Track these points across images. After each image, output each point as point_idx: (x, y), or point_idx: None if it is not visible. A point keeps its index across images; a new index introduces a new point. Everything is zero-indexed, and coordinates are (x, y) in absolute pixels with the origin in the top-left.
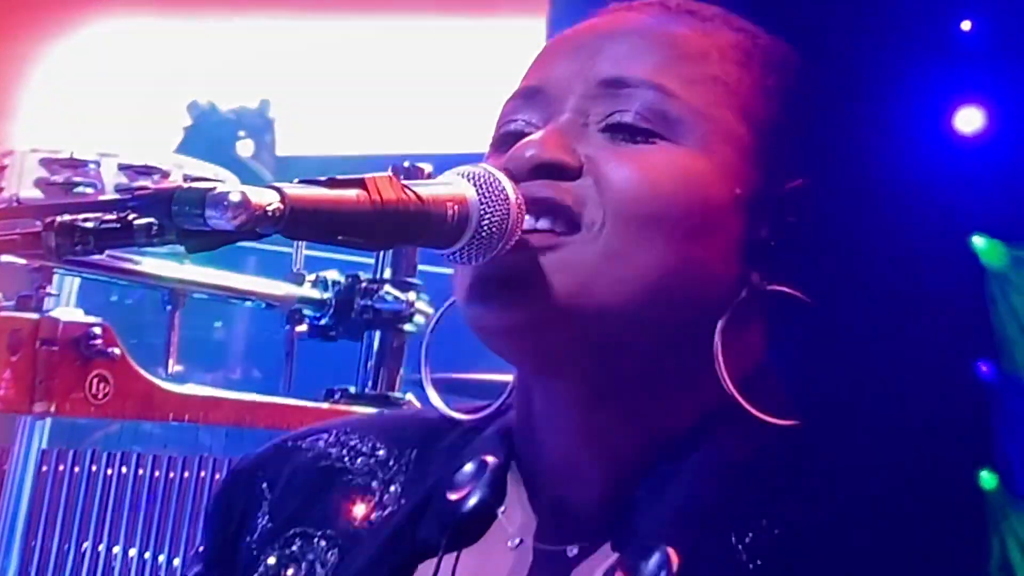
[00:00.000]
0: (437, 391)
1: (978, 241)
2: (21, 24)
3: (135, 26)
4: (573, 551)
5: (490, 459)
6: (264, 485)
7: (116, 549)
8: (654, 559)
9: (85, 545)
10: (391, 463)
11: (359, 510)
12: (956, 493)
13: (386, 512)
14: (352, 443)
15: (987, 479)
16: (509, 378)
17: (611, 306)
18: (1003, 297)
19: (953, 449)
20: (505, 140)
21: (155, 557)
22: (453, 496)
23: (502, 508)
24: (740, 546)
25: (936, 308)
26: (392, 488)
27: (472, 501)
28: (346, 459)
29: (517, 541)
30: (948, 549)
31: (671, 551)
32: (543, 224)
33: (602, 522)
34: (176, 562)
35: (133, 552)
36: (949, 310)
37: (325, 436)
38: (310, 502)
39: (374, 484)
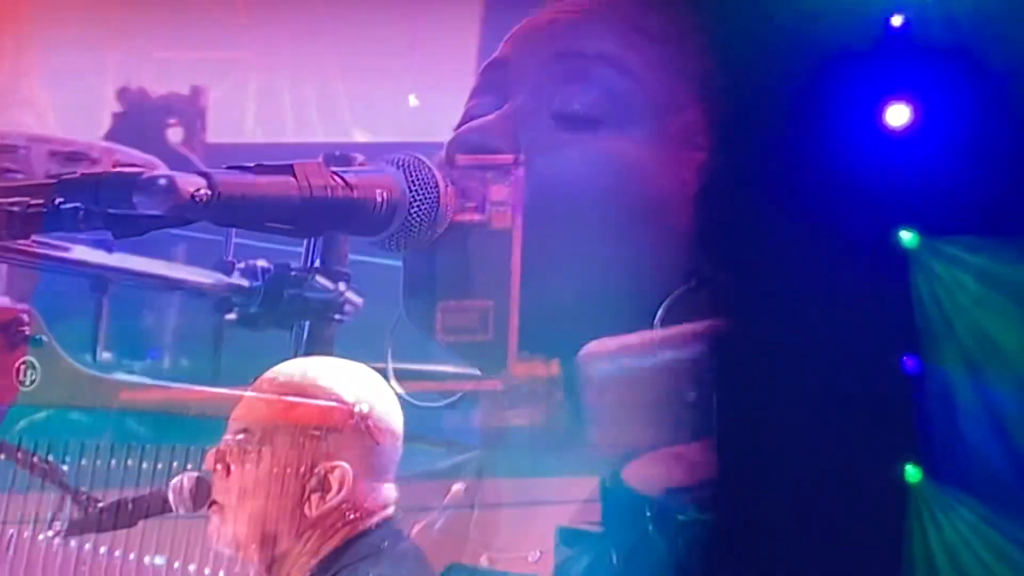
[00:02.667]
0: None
1: (905, 235)
2: None
3: (63, 9)
4: None
5: None
6: None
7: (41, 536)
8: None
9: (11, 532)
10: None
11: None
12: (880, 484)
13: None
14: None
15: (912, 472)
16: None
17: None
18: (928, 290)
19: (878, 441)
20: (463, 123)
21: (81, 546)
22: None
23: None
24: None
25: (863, 301)
26: None
27: None
28: None
29: None
30: (871, 539)
31: None
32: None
33: None
34: (102, 550)
35: (59, 540)
36: (875, 303)
37: None
38: None
39: None
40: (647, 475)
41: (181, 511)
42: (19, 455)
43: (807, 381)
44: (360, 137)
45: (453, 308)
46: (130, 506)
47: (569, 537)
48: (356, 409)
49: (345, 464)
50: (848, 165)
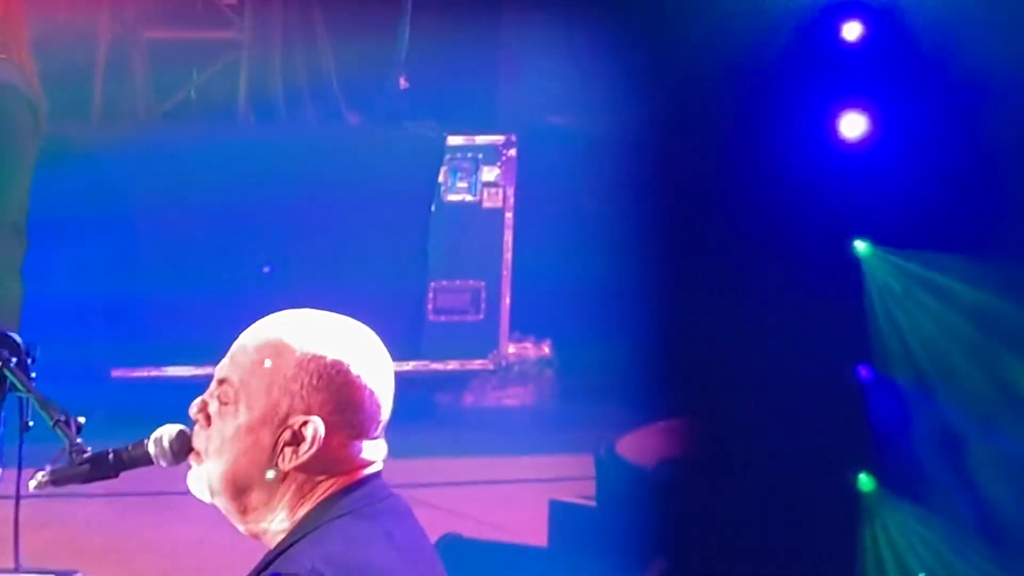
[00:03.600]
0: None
1: (860, 245)
2: None
3: None
4: None
5: None
6: None
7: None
8: None
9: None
10: None
11: None
12: (832, 492)
13: None
14: None
15: (865, 481)
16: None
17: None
18: (880, 301)
19: (831, 450)
20: None
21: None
22: None
23: None
24: None
25: (817, 311)
26: None
27: None
28: None
29: None
30: (824, 546)
31: None
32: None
33: None
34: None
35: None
36: (830, 313)
37: None
38: None
39: None
40: (641, 447)
41: (163, 464)
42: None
43: (761, 392)
44: (352, 119)
45: (445, 288)
46: (111, 457)
47: (562, 511)
48: (331, 359)
49: (317, 418)
50: (803, 175)
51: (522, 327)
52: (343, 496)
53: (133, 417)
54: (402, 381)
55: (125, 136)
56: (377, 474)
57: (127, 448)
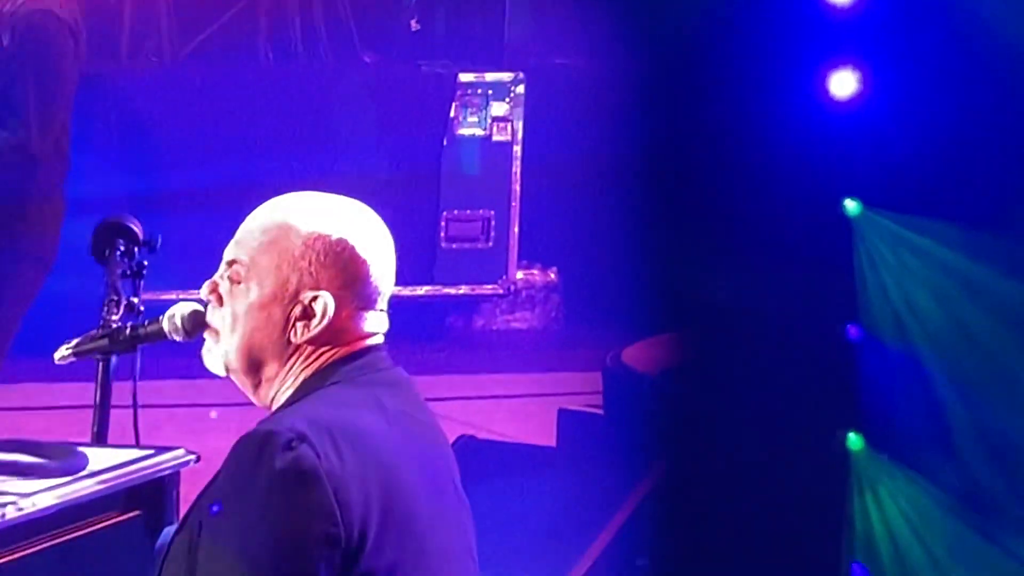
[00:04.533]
0: None
1: (850, 204)
2: None
3: None
4: None
5: None
6: None
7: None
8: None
9: None
10: None
11: None
12: (822, 452)
13: None
14: None
15: (854, 440)
16: None
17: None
18: (868, 262)
19: (821, 410)
20: None
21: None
22: None
23: None
24: None
25: (806, 270)
26: None
27: None
28: None
29: None
30: (814, 509)
31: None
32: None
33: None
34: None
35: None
36: (819, 272)
37: None
38: None
39: None
40: (645, 356)
41: (176, 339)
42: None
43: (751, 352)
44: (367, 58)
45: (456, 217)
46: (128, 332)
47: (570, 418)
48: (336, 238)
49: (327, 293)
50: (793, 134)
51: (529, 254)
52: (342, 364)
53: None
54: (416, 305)
55: (152, 74)
56: (378, 346)
57: (143, 324)
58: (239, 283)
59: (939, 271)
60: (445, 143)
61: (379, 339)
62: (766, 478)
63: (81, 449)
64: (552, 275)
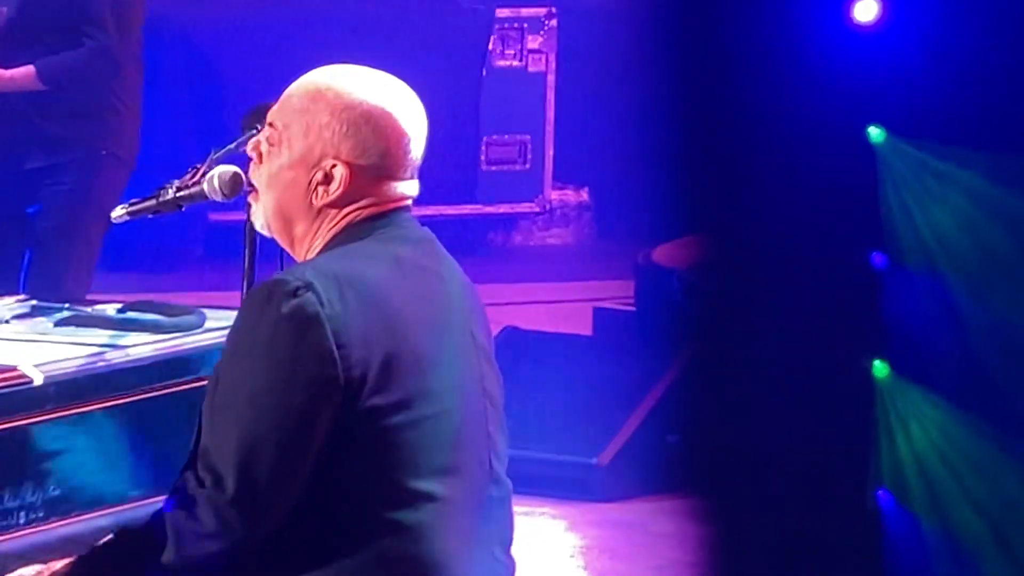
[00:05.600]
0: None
1: (873, 131)
2: None
3: None
4: None
5: None
6: None
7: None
8: None
9: None
10: None
11: None
12: (848, 379)
13: None
14: None
15: (879, 368)
16: None
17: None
18: (893, 188)
19: (847, 336)
20: None
21: None
22: None
23: None
24: None
25: (831, 197)
26: None
27: None
28: None
29: None
30: (839, 433)
31: None
32: None
33: None
34: None
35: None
36: (844, 199)
37: None
38: None
39: None
40: (674, 254)
41: (216, 199)
42: None
43: (776, 279)
44: None
45: (496, 141)
46: (172, 193)
47: (605, 315)
48: (363, 109)
49: (343, 163)
50: (817, 61)
51: (563, 176)
52: (366, 223)
53: (225, 254)
54: (458, 222)
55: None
56: (406, 207)
57: (187, 185)
58: (274, 145)
59: (964, 196)
60: (484, 74)
61: (406, 203)
62: (791, 375)
63: (205, 310)
64: (584, 195)
